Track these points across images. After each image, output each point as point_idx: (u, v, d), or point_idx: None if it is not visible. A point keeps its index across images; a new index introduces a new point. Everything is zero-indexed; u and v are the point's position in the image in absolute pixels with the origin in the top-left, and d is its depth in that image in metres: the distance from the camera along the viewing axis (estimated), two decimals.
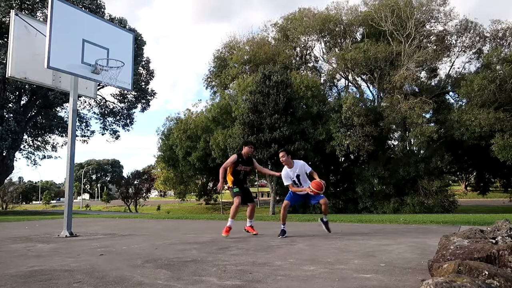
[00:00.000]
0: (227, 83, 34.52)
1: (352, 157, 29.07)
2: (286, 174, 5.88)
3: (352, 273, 3.06)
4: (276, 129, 23.19)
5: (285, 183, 5.94)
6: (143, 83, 28.47)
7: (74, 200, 49.15)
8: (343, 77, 33.49)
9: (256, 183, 57.26)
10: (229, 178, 6.25)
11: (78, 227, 7.93)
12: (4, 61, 17.30)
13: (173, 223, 9.62)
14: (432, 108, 25.83)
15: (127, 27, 25.23)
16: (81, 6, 19.93)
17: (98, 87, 13.85)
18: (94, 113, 29.63)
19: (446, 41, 29.10)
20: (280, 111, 23.54)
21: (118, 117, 29.69)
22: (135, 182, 42.50)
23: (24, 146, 28.70)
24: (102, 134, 30.00)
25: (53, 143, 30.29)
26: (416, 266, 3.28)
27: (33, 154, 30.01)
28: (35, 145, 29.87)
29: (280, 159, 5.89)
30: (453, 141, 26.29)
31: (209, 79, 38.33)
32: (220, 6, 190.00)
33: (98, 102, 28.82)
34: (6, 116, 23.38)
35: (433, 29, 29.41)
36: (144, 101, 29.72)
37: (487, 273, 2.10)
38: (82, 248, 4.97)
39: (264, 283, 2.78)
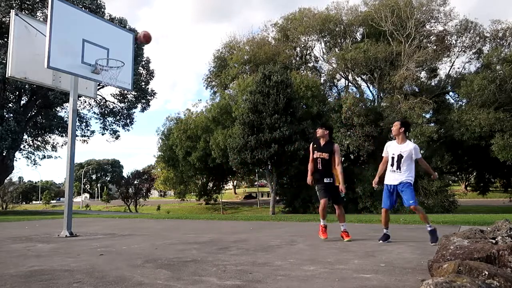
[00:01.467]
0: (227, 83, 34.54)
1: (352, 157, 29.07)
2: (389, 146, 5.18)
3: (352, 273, 3.06)
4: (276, 129, 23.18)
5: (383, 154, 5.25)
6: (143, 83, 28.49)
7: (74, 200, 49.15)
8: (343, 77, 33.51)
9: (256, 183, 57.36)
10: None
11: (78, 227, 7.93)
12: (4, 61, 17.31)
13: (173, 223, 9.61)
14: (432, 108, 25.85)
15: (127, 27, 25.24)
16: (81, 6, 19.94)
17: (98, 87, 13.86)
18: (94, 113, 29.67)
19: (446, 41, 29.11)
20: (280, 111, 23.54)
21: (118, 117, 29.71)
22: (135, 182, 42.55)
23: (24, 146, 28.71)
24: (102, 134, 30.04)
25: (53, 143, 30.34)
26: (416, 266, 3.28)
27: (33, 154, 30.05)
28: (35, 145, 29.89)
29: (394, 130, 5.08)
30: (453, 141, 26.28)
31: (209, 79, 38.36)
32: (220, 6, 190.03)
33: (98, 102, 28.84)
34: (6, 116, 23.39)
35: (433, 29, 29.45)
36: (144, 101, 29.74)
37: (487, 273, 2.10)
38: (82, 248, 4.97)
39: (264, 283, 2.78)
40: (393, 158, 5.05)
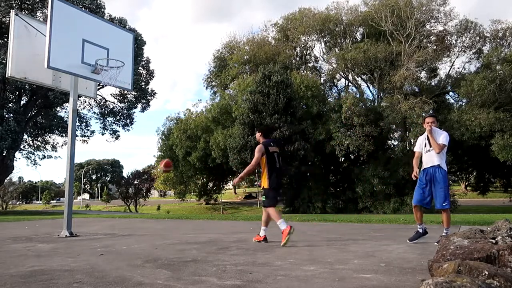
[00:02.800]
0: (227, 83, 34.53)
1: (352, 157, 29.06)
2: (420, 138, 5.36)
3: (352, 273, 3.06)
4: (276, 129, 23.19)
5: (415, 149, 5.34)
6: (143, 83, 28.50)
7: (74, 200, 49.16)
8: (343, 77, 33.49)
9: (256, 183, 57.34)
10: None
11: (78, 227, 7.93)
12: (4, 61, 17.31)
13: (173, 223, 9.61)
14: (432, 108, 25.81)
15: (127, 27, 25.24)
16: (81, 6, 19.94)
17: (98, 87, 13.85)
18: (94, 113, 29.71)
19: (446, 41, 29.08)
20: (280, 111, 23.54)
21: (118, 117, 29.74)
22: (135, 182, 42.53)
23: (24, 146, 28.72)
24: (102, 134, 30.07)
25: (53, 143, 30.35)
26: (416, 266, 3.28)
27: (33, 154, 30.07)
28: (35, 145, 29.90)
29: (428, 125, 5.19)
30: (453, 141, 26.19)
31: (209, 79, 38.37)
32: (220, 6, 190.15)
33: (98, 102, 28.86)
34: (6, 116, 23.40)
35: (433, 29, 29.41)
36: (144, 101, 29.77)
37: (487, 273, 2.10)
38: (82, 248, 4.97)
39: (264, 283, 2.78)
40: (425, 144, 5.14)
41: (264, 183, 5.03)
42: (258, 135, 5.36)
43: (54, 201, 74.83)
